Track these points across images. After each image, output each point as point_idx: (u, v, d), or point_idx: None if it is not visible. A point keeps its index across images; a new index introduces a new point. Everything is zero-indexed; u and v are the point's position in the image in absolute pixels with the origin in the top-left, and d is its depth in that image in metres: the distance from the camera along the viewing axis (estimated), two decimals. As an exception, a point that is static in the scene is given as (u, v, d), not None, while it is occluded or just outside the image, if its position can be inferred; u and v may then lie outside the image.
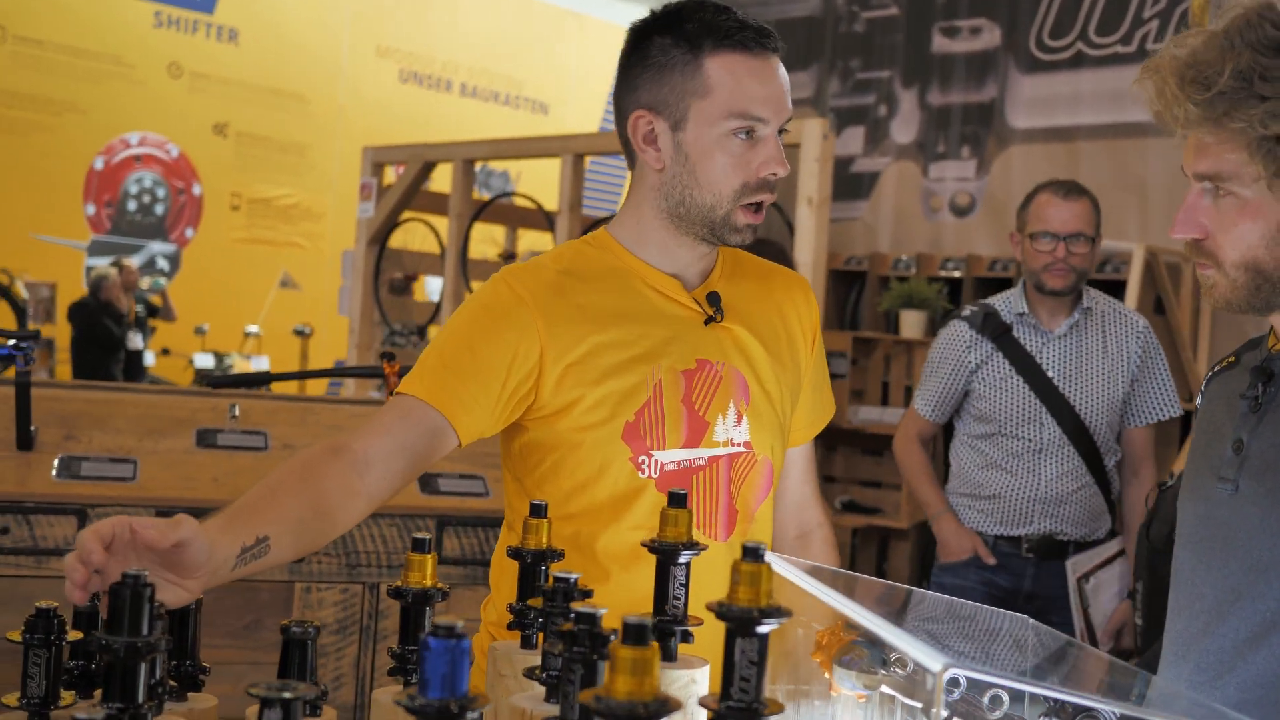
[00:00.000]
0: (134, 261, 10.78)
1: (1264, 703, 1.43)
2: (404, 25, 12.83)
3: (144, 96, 11.48)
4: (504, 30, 13.40)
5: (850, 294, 7.66)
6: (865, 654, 1.29)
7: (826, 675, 1.29)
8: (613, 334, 1.74)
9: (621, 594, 1.68)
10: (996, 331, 3.49)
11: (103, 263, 10.50)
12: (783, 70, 1.75)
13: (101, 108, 11.24)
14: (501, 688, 1.36)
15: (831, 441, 5.77)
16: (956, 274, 7.08)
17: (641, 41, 1.76)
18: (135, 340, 9.92)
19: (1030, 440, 3.43)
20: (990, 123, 7.82)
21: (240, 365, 10.54)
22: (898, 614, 1.53)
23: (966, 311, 3.63)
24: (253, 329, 11.13)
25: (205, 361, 10.34)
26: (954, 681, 1.24)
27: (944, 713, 1.04)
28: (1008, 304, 3.54)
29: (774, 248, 4.99)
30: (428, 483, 3.05)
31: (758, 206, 1.76)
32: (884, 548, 5.88)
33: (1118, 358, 3.47)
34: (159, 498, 2.83)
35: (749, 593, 1.03)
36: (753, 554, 1.04)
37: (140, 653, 1.04)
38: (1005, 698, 1.27)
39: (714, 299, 1.81)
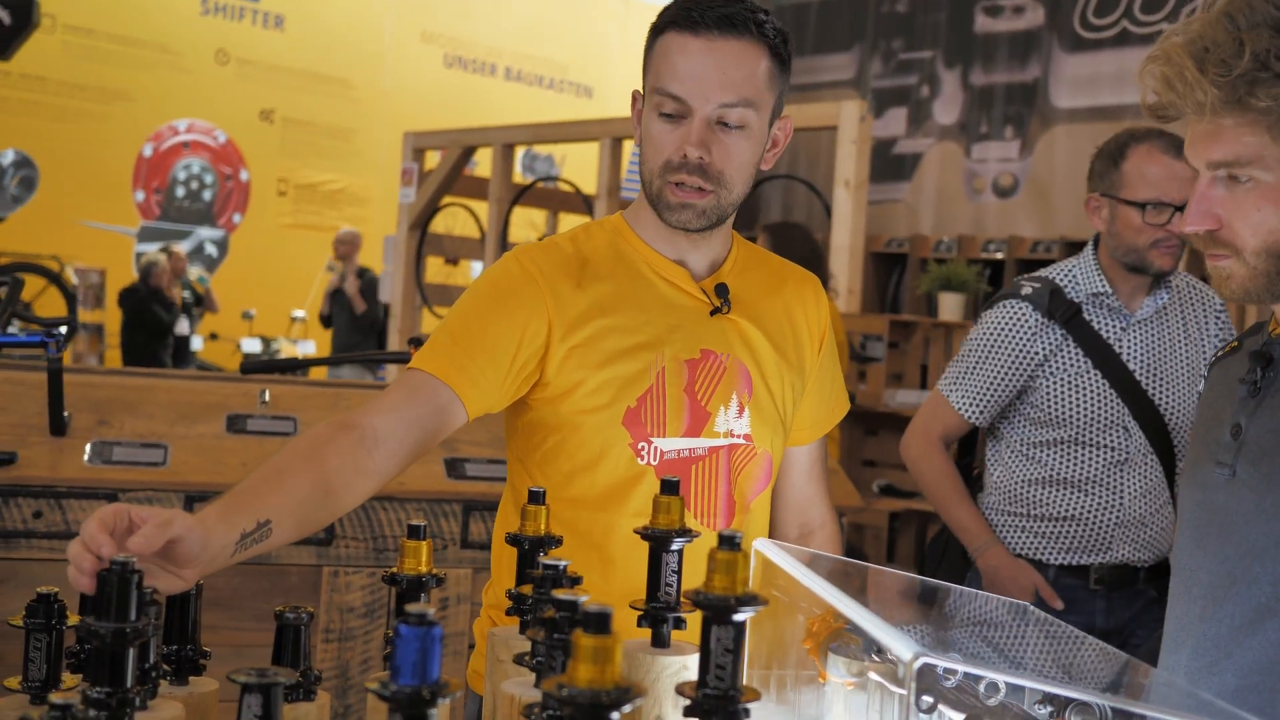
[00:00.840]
0: (183, 248, 10.90)
1: (1261, 689, 1.42)
2: (448, 10, 12.88)
3: (191, 84, 11.60)
4: (547, 14, 13.41)
5: (891, 276, 7.62)
6: (856, 641, 1.29)
7: (816, 662, 1.30)
8: (619, 319, 1.74)
9: (623, 581, 1.69)
10: (1067, 314, 2.80)
11: (152, 249, 10.62)
12: (734, 54, 1.70)
13: (150, 95, 11.37)
14: (499, 673, 1.37)
15: (871, 425, 5.75)
16: (999, 255, 7.03)
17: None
18: (182, 326, 10.03)
19: (1113, 450, 2.77)
20: (1034, 102, 7.75)
21: (287, 350, 10.63)
22: (899, 603, 1.53)
23: (1026, 289, 2.86)
24: (299, 314, 11.23)
25: (252, 346, 10.45)
26: (950, 670, 1.25)
27: (915, 699, 1.04)
28: (1074, 279, 2.84)
29: (800, 231, 4.96)
30: (454, 467, 3.07)
31: (683, 185, 1.72)
32: (922, 532, 5.86)
33: (1199, 344, 2.87)
34: (189, 483, 2.87)
35: (725, 580, 1.03)
36: (728, 542, 1.04)
37: (127, 638, 1.06)
38: (1002, 686, 1.27)
39: (722, 290, 1.81)
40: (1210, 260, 1.49)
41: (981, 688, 1.28)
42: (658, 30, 1.75)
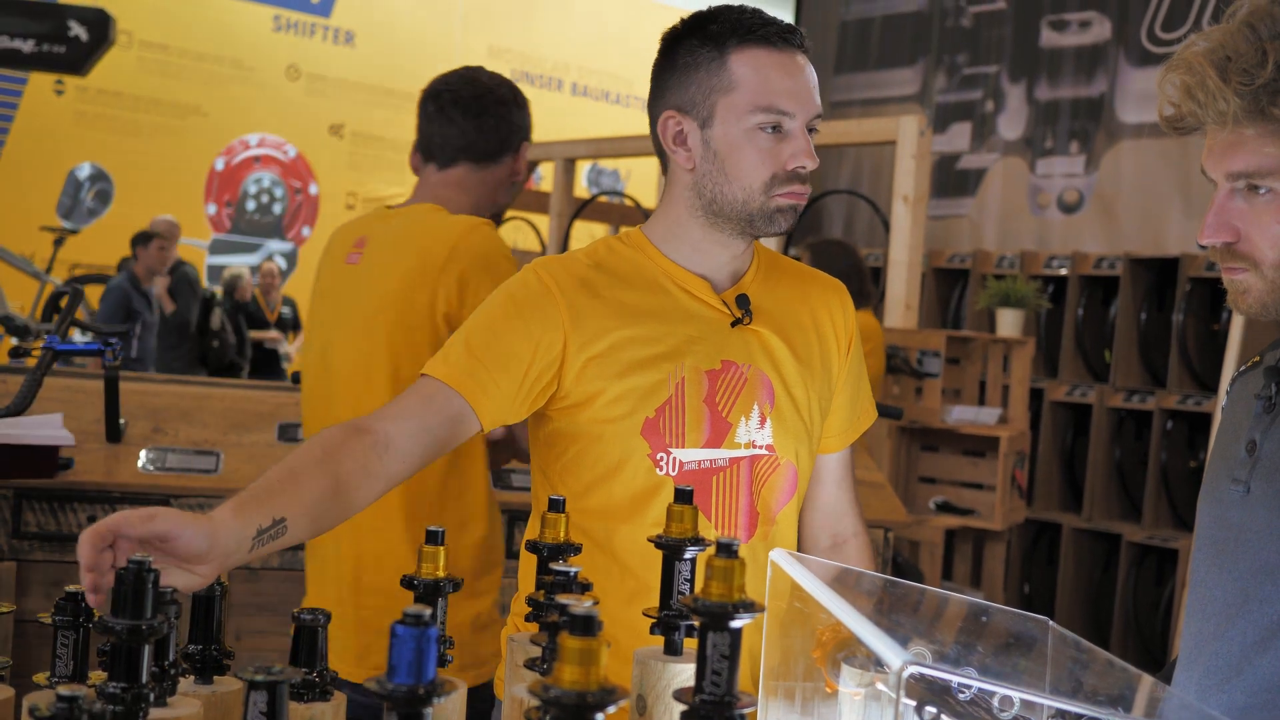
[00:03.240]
0: (254, 260, 11.07)
1: (1270, 706, 1.40)
2: (515, 25, 12.99)
3: (263, 98, 11.79)
4: (615, 30, 13.48)
5: (954, 292, 7.57)
6: (867, 653, 1.30)
7: (823, 672, 1.30)
8: (637, 330, 1.75)
9: (640, 589, 1.70)
10: None
11: (234, 262, 10.79)
12: (809, 67, 1.76)
13: (222, 110, 11.57)
14: (516, 677, 1.39)
15: (929, 441, 5.72)
16: (1062, 271, 6.97)
17: (669, 48, 1.80)
18: (277, 339, 10.09)
19: None
20: (1099, 117, 7.68)
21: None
22: (918, 617, 1.53)
23: None
24: (365, 326, 11.34)
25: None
26: (964, 685, 1.25)
27: (902, 707, 1.05)
28: None
29: (840, 247, 4.94)
30: (500, 477, 3.10)
31: (793, 194, 1.76)
32: (979, 550, 5.81)
33: None
34: (240, 490, 2.92)
35: (721, 588, 1.04)
36: (726, 550, 1.05)
37: (142, 634, 1.09)
38: (1016, 701, 1.27)
39: (743, 301, 1.81)
40: (1226, 274, 1.47)
41: (995, 702, 1.28)
42: (723, 47, 1.74)
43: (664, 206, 1.84)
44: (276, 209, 12.04)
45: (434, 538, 1.36)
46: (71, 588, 1.30)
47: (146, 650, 1.10)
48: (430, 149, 2.58)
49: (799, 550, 1.93)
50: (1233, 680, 1.45)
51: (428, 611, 0.95)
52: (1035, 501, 6.83)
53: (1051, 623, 1.47)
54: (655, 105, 1.82)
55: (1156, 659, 6.22)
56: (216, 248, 11.62)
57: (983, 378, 5.73)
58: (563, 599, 1.11)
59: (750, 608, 1.04)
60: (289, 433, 3.12)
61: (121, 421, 2.97)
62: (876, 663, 1.27)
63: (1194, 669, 1.50)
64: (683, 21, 1.80)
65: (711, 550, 1.06)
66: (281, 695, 1.04)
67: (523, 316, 1.74)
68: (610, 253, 1.83)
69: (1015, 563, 6.47)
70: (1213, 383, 6.29)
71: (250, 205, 11.88)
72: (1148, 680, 1.27)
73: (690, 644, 1.33)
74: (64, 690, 0.91)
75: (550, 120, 12.55)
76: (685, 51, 1.77)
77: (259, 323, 10.12)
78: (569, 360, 1.74)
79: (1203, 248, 1.50)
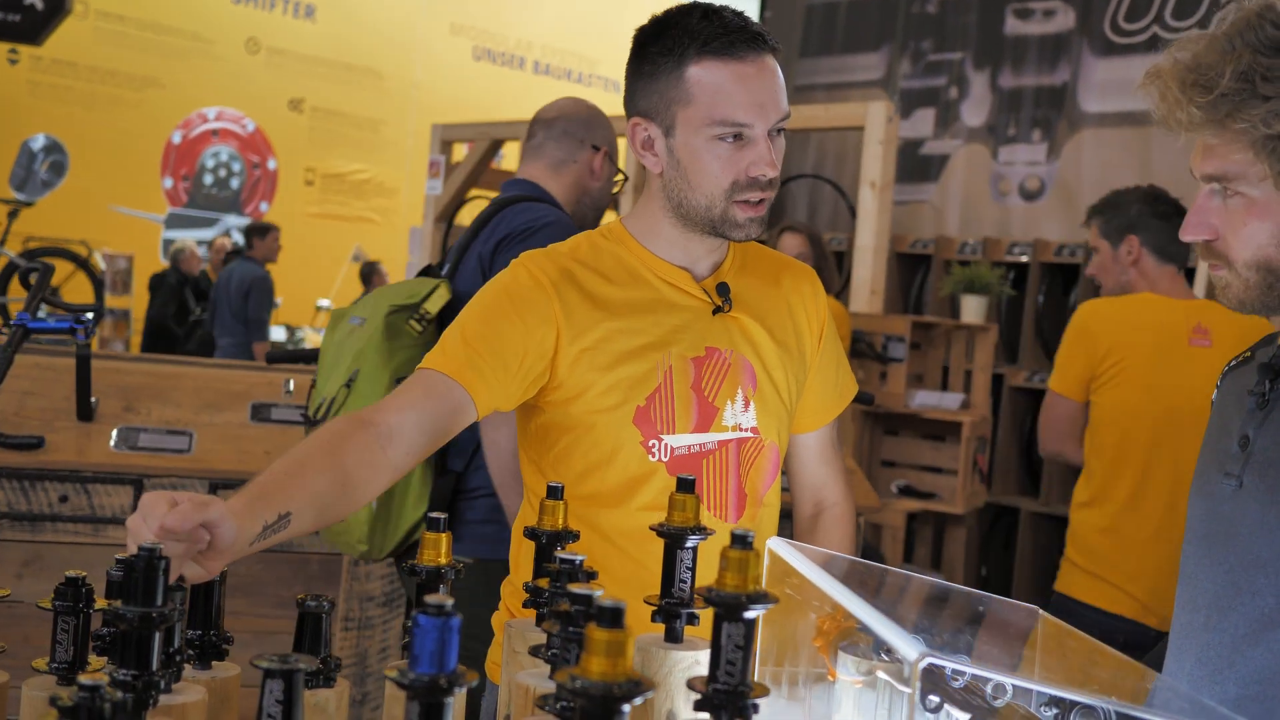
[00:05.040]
0: (209, 235, 10.96)
1: (1263, 698, 1.44)
2: (477, 2, 12.92)
3: (222, 72, 11.67)
4: (578, 9, 13.44)
5: (916, 277, 7.62)
6: (867, 641, 1.32)
7: (826, 660, 1.32)
8: (625, 322, 1.80)
9: (634, 572, 1.73)
10: None
11: (182, 235, 10.70)
12: (772, 70, 1.76)
13: (180, 83, 11.44)
14: (515, 664, 1.40)
15: (891, 426, 5.76)
16: (1023, 259, 7.02)
17: (637, 52, 1.83)
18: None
19: None
20: (1062, 106, 7.73)
21: (312, 339, 10.69)
22: (908, 604, 1.55)
23: None
24: (325, 303, 11.29)
25: (278, 334, 10.51)
26: (958, 671, 1.27)
27: (920, 698, 1.07)
28: None
29: (809, 238, 4.93)
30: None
31: (757, 202, 1.78)
32: (940, 534, 5.86)
33: None
34: (213, 470, 2.90)
35: (736, 579, 1.05)
36: (741, 541, 1.06)
37: (154, 623, 1.09)
38: (1009, 687, 1.29)
39: (723, 290, 1.86)
40: (1211, 270, 1.53)
41: (989, 689, 1.30)
42: (681, 57, 1.75)
43: (643, 203, 1.89)
44: (234, 184, 11.94)
45: (435, 524, 1.36)
46: (71, 573, 1.29)
47: (157, 638, 1.09)
48: None
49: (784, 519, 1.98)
50: (1225, 672, 1.48)
51: (449, 602, 0.95)
52: (994, 485, 6.89)
53: (1042, 611, 1.50)
54: (627, 108, 1.86)
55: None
56: (173, 222, 11.51)
57: (946, 363, 5.78)
58: (576, 588, 1.11)
59: (764, 599, 1.05)
60: (262, 412, 3.11)
61: (93, 400, 2.94)
62: (878, 651, 1.29)
63: (1185, 659, 1.53)
64: (650, 22, 1.82)
65: (726, 542, 1.07)
66: (297, 683, 1.04)
67: (517, 310, 1.77)
68: (593, 247, 1.87)
69: (973, 546, 6.53)
70: (1170, 370, 6.34)
71: (208, 179, 11.77)
72: (1139, 669, 1.29)
73: (690, 631, 1.35)
74: (85, 680, 0.91)
75: (512, 99, 12.52)
76: (648, 59, 1.80)
77: (199, 295, 9.99)
78: (562, 352, 1.77)
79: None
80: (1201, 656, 1.51)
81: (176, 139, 11.58)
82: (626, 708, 0.89)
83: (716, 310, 1.85)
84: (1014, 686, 1.27)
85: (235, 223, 11.90)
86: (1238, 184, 1.46)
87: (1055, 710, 1.27)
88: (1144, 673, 1.24)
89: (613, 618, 0.90)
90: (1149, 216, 3.38)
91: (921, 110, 8.35)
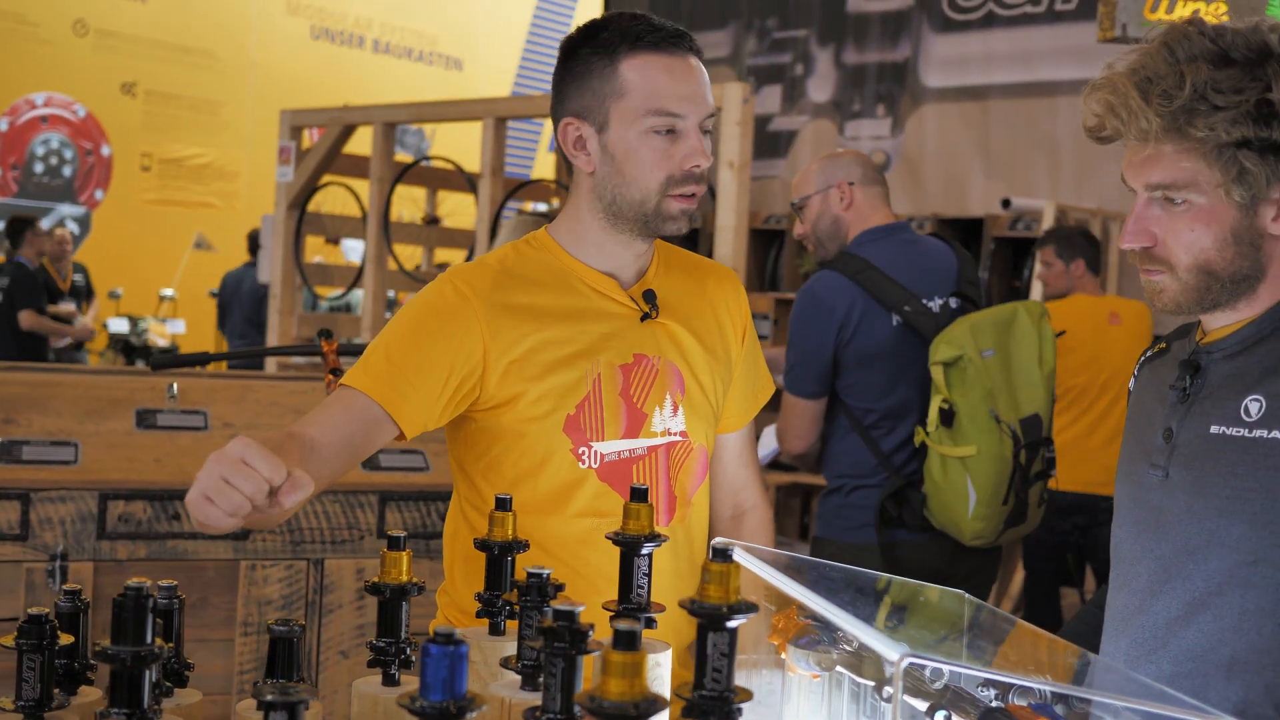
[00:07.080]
0: (68, 229, 10.55)
1: (1194, 674, 1.55)
2: (315, -19, 12.66)
3: (49, 55, 11.25)
4: (416, -15, 13.28)
5: (770, 253, 7.75)
6: (819, 636, 1.38)
7: (783, 657, 1.38)
8: (553, 332, 1.83)
9: (570, 579, 1.76)
10: None
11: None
12: (700, 68, 1.84)
13: (4, 68, 11.00)
14: (471, 674, 1.43)
15: (754, 400, 5.89)
16: (873, 232, 7.20)
17: (566, 56, 1.87)
18: (70, 309, 9.64)
19: None
20: (904, 81, 7.94)
21: (156, 329, 10.41)
22: (842, 594, 1.62)
23: None
24: (168, 292, 11.00)
25: (120, 326, 10.21)
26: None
27: (875, 690, 1.13)
28: None
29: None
30: (370, 460, 3.10)
31: (689, 195, 1.83)
32: (806, 504, 6.02)
33: None
34: (103, 480, 2.85)
35: (719, 591, 1.11)
36: (722, 555, 1.11)
37: (145, 661, 1.10)
38: (945, 671, 1.37)
39: (650, 296, 1.90)
40: (1144, 275, 1.60)
41: (926, 673, 1.38)
42: (613, 54, 1.80)
43: (569, 209, 1.92)
44: (66, 171, 11.54)
45: (396, 543, 1.39)
46: (34, 610, 1.28)
47: (148, 675, 1.11)
48: None
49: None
50: (1159, 651, 1.58)
51: (458, 631, 0.99)
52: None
53: (968, 595, 1.58)
54: (556, 112, 1.89)
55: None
56: (3, 213, 11.07)
57: (807, 338, 5.91)
58: (558, 604, 1.15)
59: (747, 608, 1.10)
60: (147, 419, 3.05)
61: (-30, 413, 2.86)
62: (835, 645, 1.36)
63: (1120, 640, 1.64)
64: (579, 30, 1.88)
65: (707, 557, 1.12)
66: (299, 716, 1.06)
67: (443, 326, 1.80)
68: (520, 257, 1.90)
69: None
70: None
71: (38, 168, 11.36)
72: (1074, 649, 1.38)
73: (648, 634, 1.40)
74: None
75: (352, 78, 12.34)
76: (580, 60, 1.84)
77: (51, 293, 9.64)
78: (490, 366, 1.80)
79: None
80: (1136, 637, 1.61)
81: (3, 126, 11.14)
82: (646, 725, 0.94)
83: (645, 317, 1.89)
84: (950, 670, 1.35)
85: (70, 212, 11.51)
86: (1186, 191, 1.53)
87: (994, 690, 1.35)
88: (1081, 654, 1.33)
89: (628, 641, 0.95)
90: (1086, 246, 5.09)
91: (769, 87, 8.49)
